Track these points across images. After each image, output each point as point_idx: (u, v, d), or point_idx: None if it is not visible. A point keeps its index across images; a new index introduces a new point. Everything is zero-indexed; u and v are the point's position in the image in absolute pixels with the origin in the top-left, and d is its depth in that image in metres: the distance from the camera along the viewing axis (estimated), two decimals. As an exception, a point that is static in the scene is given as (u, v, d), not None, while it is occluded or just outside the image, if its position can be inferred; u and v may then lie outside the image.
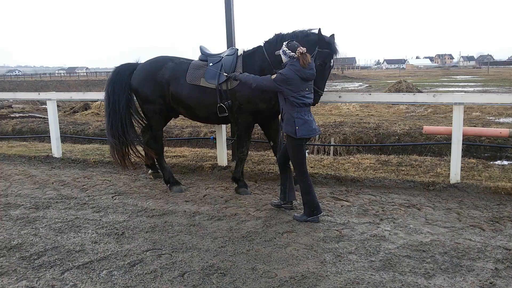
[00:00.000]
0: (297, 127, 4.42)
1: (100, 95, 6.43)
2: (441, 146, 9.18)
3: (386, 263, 3.61)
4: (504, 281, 3.28)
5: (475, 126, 10.68)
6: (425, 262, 3.62)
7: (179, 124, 13.73)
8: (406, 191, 5.48)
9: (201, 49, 5.79)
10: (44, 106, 22.20)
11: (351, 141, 10.39)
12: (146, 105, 5.82)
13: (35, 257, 3.83)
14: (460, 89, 29.04)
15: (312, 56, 4.78)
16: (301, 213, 4.64)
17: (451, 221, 4.50)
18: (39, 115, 18.41)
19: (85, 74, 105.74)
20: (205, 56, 5.68)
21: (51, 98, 7.76)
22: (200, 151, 8.18)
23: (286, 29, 5.31)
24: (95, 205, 5.20)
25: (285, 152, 4.77)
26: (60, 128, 8.11)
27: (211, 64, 5.49)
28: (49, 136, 8.01)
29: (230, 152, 7.18)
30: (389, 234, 4.19)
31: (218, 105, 5.35)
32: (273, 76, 4.52)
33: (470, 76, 48.74)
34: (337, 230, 4.29)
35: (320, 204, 4.64)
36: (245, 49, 5.55)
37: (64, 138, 8.03)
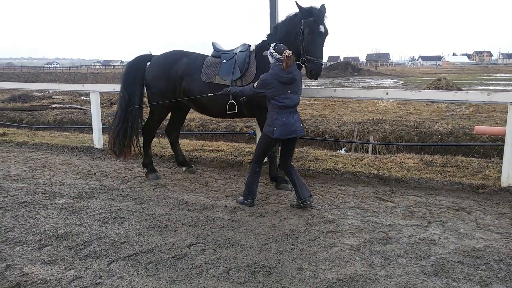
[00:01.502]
0: (275, 128, 4.61)
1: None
2: (486, 147, 8.80)
3: (438, 268, 3.45)
4: None
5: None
6: (479, 269, 3.44)
7: (215, 118, 13.76)
8: (454, 194, 5.25)
9: (214, 45, 5.80)
10: (82, 97, 22.81)
11: (391, 139, 10.11)
12: (156, 97, 5.85)
13: (82, 247, 3.88)
14: (501, 88, 27.89)
15: (301, 29, 4.99)
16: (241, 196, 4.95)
17: (504, 226, 4.27)
18: (78, 106, 18.91)
19: (120, 66, 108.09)
20: (218, 52, 5.69)
21: (95, 90, 7.90)
22: (238, 146, 8.15)
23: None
24: (137, 197, 5.25)
25: (282, 155, 4.98)
26: (101, 120, 8.23)
27: (224, 61, 5.51)
28: (89, 127, 8.19)
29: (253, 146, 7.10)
30: (439, 238, 4.02)
31: (230, 102, 5.38)
32: (255, 83, 4.71)
33: (511, 75, 46.74)
34: (383, 232, 4.15)
35: (363, 202, 4.52)
36: (256, 44, 5.56)
37: (104, 129, 8.16)
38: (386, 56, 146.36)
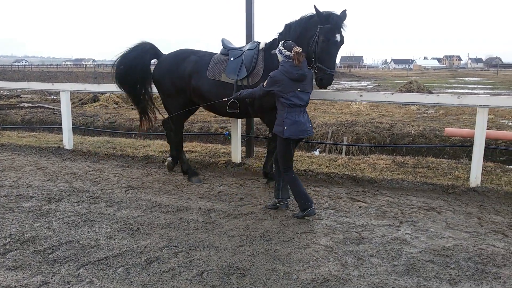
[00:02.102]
0: (285, 127, 4.45)
1: (113, 87, 6.33)
2: (456, 149, 9.04)
3: (410, 267, 3.51)
4: (532, 290, 3.18)
5: (489, 129, 10.51)
6: (449, 267, 3.52)
7: (190, 118, 13.62)
8: (425, 194, 5.36)
9: (223, 42, 5.67)
10: (52, 97, 22.19)
11: (364, 140, 10.26)
12: (168, 98, 5.78)
13: (49, 252, 3.75)
14: (470, 91, 28.78)
15: (316, 35, 4.77)
16: (298, 211, 4.62)
17: (473, 226, 4.39)
18: (48, 105, 18.38)
19: (92, 66, 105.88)
20: (227, 50, 5.54)
21: (65, 89, 7.68)
22: (212, 147, 8.09)
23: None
24: (108, 199, 5.12)
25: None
26: (71, 120, 8.01)
27: (232, 58, 5.36)
28: (59, 127, 7.96)
29: (243, 148, 7.08)
30: (410, 237, 4.09)
31: (231, 101, 5.23)
32: (265, 82, 4.57)
33: (479, 79, 48.36)
34: (356, 232, 4.19)
35: (336, 203, 4.56)
36: (266, 42, 5.38)
37: (74, 129, 7.96)
38: (359, 59, 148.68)
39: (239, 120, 6.59)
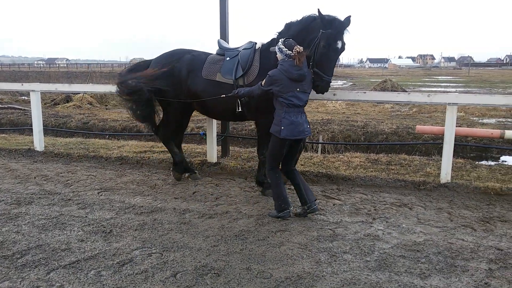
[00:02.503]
0: (282, 127, 4.37)
1: (86, 87, 6.22)
2: (428, 146, 9.25)
3: (382, 263, 3.57)
4: (498, 282, 3.28)
5: (460, 126, 10.80)
6: (420, 262, 3.59)
7: (165, 118, 13.51)
8: (397, 190, 5.46)
9: (219, 43, 5.58)
10: (23, 97, 21.59)
11: (339, 139, 10.38)
12: (164, 100, 5.62)
13: (18, 256, 3.65)
14: (442, 89, 29.48)
15: (317, 39, 4.63)
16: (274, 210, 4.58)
17: (443, 221, 4.49)
18: (18, 106, 17.88)
19: (65, 65, 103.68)
20: (223, 50, 5.45)
21: (35, 90, 7.49)
22: (188, 147, 8.03)
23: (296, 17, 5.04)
24: (80, 201, 5.02)
25: (285, 158, 4.64)
26: (42, 121, 7.82)
27: (228, 58, 5.27)
28: (30, 128, 7.76)
29: (219, 148, 7.07)
30: (383, 233, 4.16)
31: (232, 92, 4.98)
32: (263, 81, 4.48)
33: (451, 77, 49.61)
34: (330, 229, 4.24)
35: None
36: (263, 43, 5.27)
37: (46, 131, 7.78)
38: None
39: (214, 120, 6.56)
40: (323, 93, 4.83)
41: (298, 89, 4.39)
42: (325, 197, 5.19)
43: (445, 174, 5.56)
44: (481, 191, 5.35)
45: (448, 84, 35.59)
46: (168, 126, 5.84)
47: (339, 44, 4.64)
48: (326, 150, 9.75)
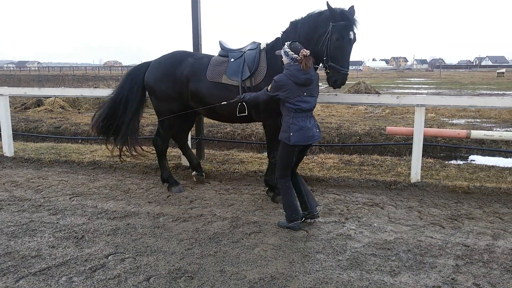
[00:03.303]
0: (291, 134, 4.21)
1: (57, 91, 6.10)
2: (400, 146, 9.47)
3: (353, 261, 3.64)
4: (464, 277, 3.39)
5: (430, 127, 11.09)
6: (390, 260, 3.68)
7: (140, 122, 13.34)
8: (369, 190, 5.58)
9: (221, 44, 5.42)
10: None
11: (314, 140, 10.49)
12: (162, 103, 5.44)
13: (-14, 264, 3.56)
14: (414, 91, 30.16)
15: (328, 33, 4.56)
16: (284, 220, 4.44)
17: (413, 219, 4.61)
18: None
19: (37, 68, 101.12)
20: (226, 51, 5.30)
21: (3, 94, 7.29)
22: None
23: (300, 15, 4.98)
24: (52, 207, 4.93)
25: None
26: (11, 125, 7.63)
27: (232, 59, 5.14)
28: (-1, 133, 7.55)
29: (194, 151, 7.04)
30: (355, 233, 4.24)
31: (240, 104, 4.91)
32: (269, 87, 4.34)
33: (423, 79, 50.76)
34: (304, 230, 4.30)
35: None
36: (268, 43, 5.17)
37: (16, 136, 7.59)
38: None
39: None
40: (339, 87, 4.79)
41: (305, 94, 4.25)
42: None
43: (415, 173, 5.71)
44: (450, 189, 5.51)
45: (420, 86, 36.40)
46: (165, 135, 5.66)
47: (352, 35, 4.60)
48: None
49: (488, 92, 26.87)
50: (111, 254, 3.75)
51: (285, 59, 4.34)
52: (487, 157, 9.59)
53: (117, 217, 4.64)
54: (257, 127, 11.70)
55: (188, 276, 3.38)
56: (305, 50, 4.21)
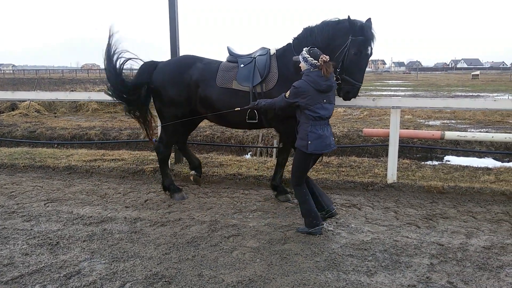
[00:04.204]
0: (309, 142, 4.15)
1: (31, 95, 5.98)
2: (377, 148, 9.61)
3: (331, 263, 3.67)
4: (438, 275, 3.46)
5: (407, 128, 11.30)
6: (367, 260, 3.73)
7: (117, 125, 13.21)
8: (347, 192, 5.64)
9: (229, 49, 5.34)
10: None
11: (293, 143, 10.54)
12: (167, 108, 5.30)
13: (-45, 274, 3.45)
14: (392, 93, 30.65)
15: (346, 46, 4.55)
16: (303, 225, 4.41)
17: (389, 219, 4.68)
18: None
19: (11, 71, 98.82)
20: (234, 57, 5.23)
21: (-27, 98, 7.11)
22: (141, 154, 7.89)
23: (314, 22, 4.95)
24: (25, 214, 4.81)
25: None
26: (-17, 131, 7.45)
27: (242, 65, 5.06)
28: (-29, 139, 7.34)
29: (172, 155, 6.99)
30: (332, 234, 4.28)
31: (250, 110, 4.85)
32: (287, 93, 4.24)
33: (401, 81, 51.62)
34: (282, 232, 4.31)
35: (264, 205, 4.58)
36: (277, 48, 5.12)
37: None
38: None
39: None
40: (349, 100, 4.83)
41: (324, 100, 4.18)
42: (277, 201, 5.27)
43: (391, 174, 5.80)
44: (425, 190, 5.62)
45: (398, 88, 37.01)
46: (169, 141, 5.52)
47: (369, 50, 4.60)
48: (281, 154, 9.88)
49: (463, 93, 27.54)
50: (86, 260, 3.69)
51: (303, 65, 4.26)
52: (461, 158, 9.83)
53: (93, 222, 4.56)
54: (237, 130, 11.70)
55: (165, 281, 3.35)
56: (324, 55, 4.14)
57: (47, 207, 5.06)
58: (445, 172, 6.65)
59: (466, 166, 7.34)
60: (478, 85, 37.82)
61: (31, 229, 4.39)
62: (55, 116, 16.26)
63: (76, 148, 9.17)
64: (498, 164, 8.60)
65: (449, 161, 9.52)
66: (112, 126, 13.01)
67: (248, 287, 3.28)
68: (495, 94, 26.82)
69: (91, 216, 4.73)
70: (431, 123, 13.77)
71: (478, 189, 5.53)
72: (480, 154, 9.93)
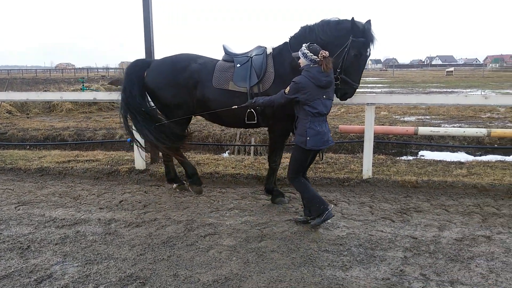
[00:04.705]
0: (307, 138, 4.18)
1: (0, 96, 5.81)
2: (354, 144, 9.71)
3: (307, 258, 3.69)
4: (412, 268, 3.52)
5: (383, 124, 11.45)
6: (342, 255, 3.76)
7: (92, 126, 12.96)
8: (324, 188, 5.68)
9: (225, 48, 5.23)
10: None
11: (271, 140, 10.56)
12: (167, 109, 5.24)
13: None
14: (369, 90, 31.06)
15: (346, 46, 4.54)
16: (312, 216, 4.36)
17: (365, 214, 4.74)
18: None
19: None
20: (230, 56, 5.14)
21: None
22: (116, 154, 7.77)
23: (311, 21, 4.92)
24: (-5, 218, 4.67)
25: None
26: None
27: (238, 65, 4.98)
28: None
29: (148, 154, 6.91)
30: (309, 230, 4.30)
31: (248, 110, 4.84)
32: (287, 89, 4.23)
33: (377, 78, 52.32)
34: (259, 230, 4.31)
35: (241, 203, 4.57)
36: (274, 47, 5.06)
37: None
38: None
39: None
40: (346, 100, 4.84)
41: (324, 96, 4.19)
42: (255, 199, 5.27)
43: (367, 170, 5.87)
44: (400, 184, 5.71)
45: (374, 85, 37.51)
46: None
47: (369, 52, 4.62)
48: (259, 152, 9.89)
49: (437, 90, 28.11)
50: (58, 264, 3.60)
51: (302, 61, 4.25)
52: (435, 152, 10.03)
53: (66, 225, 4.46)
54: (214, 128, 11.65)
55: (140, 282, 3.30)
56: (324, 51, 4.14)
57: (18, 210, 4.92)
58: (419, 167, 6.77)
59: (440, 160, 7.49)
60: (452, 82, 38.67)
61: (1, 233, 4.26)
62: (28, 117, 15.85)
63: (49, 150, 8.95)
64: (470, 158, 8.82)
65: (423, 156, 9.69)
66: (86, 126, 12.76)
67: (224, 285, 3.26)
68: (468, 90, 27.47)
69: (63, 219, 4.63)
70: (406, 119, 13.99)
71: (450, 183, 5.65)
72: (453, 149, 10.15)
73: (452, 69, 60.47)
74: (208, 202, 5.16)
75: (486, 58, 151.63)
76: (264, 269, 3.51)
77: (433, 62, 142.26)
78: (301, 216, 4.58)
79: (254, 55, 5.02)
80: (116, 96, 7.01)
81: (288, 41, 4.98)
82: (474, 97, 5.79)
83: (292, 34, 4.96)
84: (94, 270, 3.49)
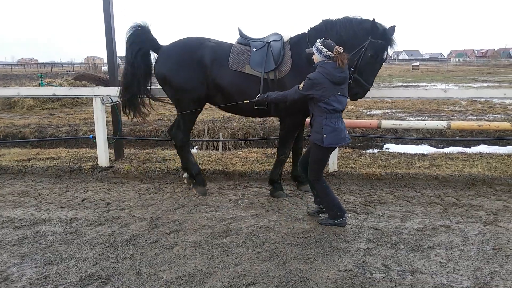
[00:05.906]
0: (324, 135, 4.09)
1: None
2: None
3: (272, 253, 3.70)
4: (374, 259, 3.59)
5: (350, 118, 11.63)
6: (307, 248, 3.80)
7: (55, 122, 12.56)
8: (290, 182, 5.71)
9: (240, 31, 5.07)
10: None
11: (239, 135, 10.56)
12: (181, 94, 4.96)
13: None
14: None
15: (363, 47, 4.48)
16: (326, 216, 4.40)
17: (330, 207, 4.79)
18: None
19: None
20: (246, 39, 4.98)
21: None
22: (79, 152, 7.56)
23: (335, 16, 4.81)
24: None
25: (307, 157, 4.48)
26: None
27: (254, 49, 4.84)
28: None
29: (112, 151, 6.76)
30: (275, 224, 4.32)
31: (259, 95, 4.62)
32: (301, 85, 4.14)
33: (345, 73, 53.24)
34: (225, 225, 4.29)
35: (207, 198, 4.54)
36: (291, 36, 4.94)
37: None
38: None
39: (105, 121, 6.24)
40: (356, 100, 4.78)
41: (339, 93, 4.10)
42: (221, 194, 5.24)
43: (332, 163, 5.95)
44: (364, 177, 5.82)
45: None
46: (187, 127, 5.23)
47: (385, 55, 4.55)
48: (227, 147, 9.86)
49: (403, 84, 28.79)
50: (15, 266, 3.47)
51: (316, 57, 4.17)
52: (399, 145, 10.28)
53: (25, 225, 4.31)
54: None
55: (101, 282, 3.23)
56: (339, 47, 4.06)
57: (-27, 211, 4.72)
58: (383, 160, 6.92)
59: (403, 153, 7.69)
60: (418, 76, 39.73)
61: (-46, 236, 4.07)
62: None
63: (9, 148, 8.63)
64: (433, 150, 9.08)
65: (388, 149, 9.91)
66: (49, 123, 12.35)
67: (187, 282, 3.23)
68: (433, 84, 28.28)
69: (22, 219, 4.47)
70: (372, 112, 14.27)
71: (413, 175, 5.80)
72: (417, 141, 10.43)
73: (418, 63, 62.13)
74: (174, 198, 5.10)
75: (450, 53, 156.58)
76: (229, 264, 3.50)
77: (400, 57, 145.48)
78: (312, 209, 4.64)
79: (272, 41, 4.91)
80: (77, 91, 6.83)
81: (306, 32, 4.89)
82: (434, 90, 5.94)
83: (312, 26, 4.87)
84: (54, 270, 3.39)
